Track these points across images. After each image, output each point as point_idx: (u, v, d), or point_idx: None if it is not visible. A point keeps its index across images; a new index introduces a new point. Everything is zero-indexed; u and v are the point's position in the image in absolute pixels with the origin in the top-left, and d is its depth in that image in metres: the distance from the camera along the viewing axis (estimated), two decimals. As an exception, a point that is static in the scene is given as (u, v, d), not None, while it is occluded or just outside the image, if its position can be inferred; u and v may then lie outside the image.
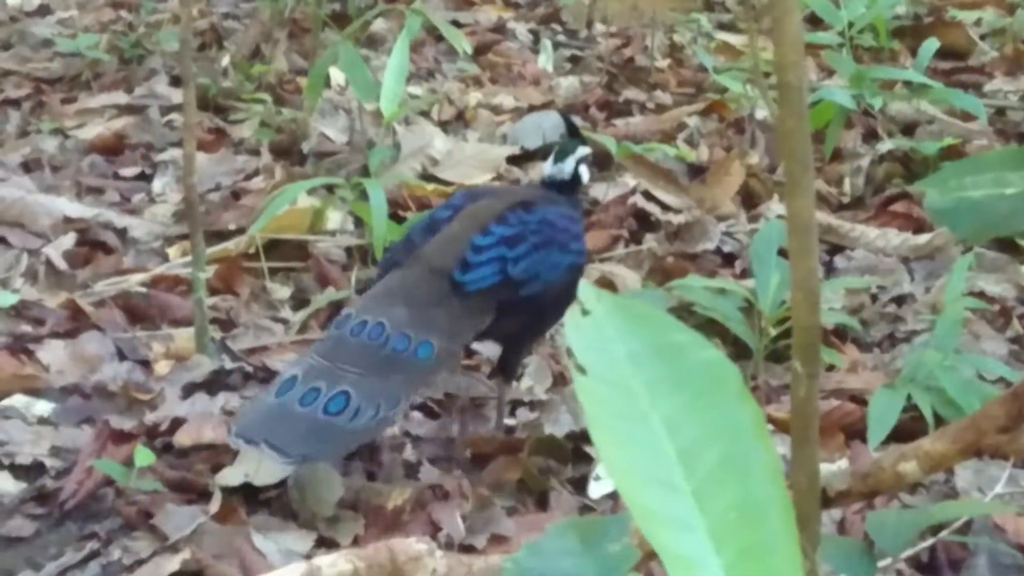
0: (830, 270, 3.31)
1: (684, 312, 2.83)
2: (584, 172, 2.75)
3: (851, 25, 4.12)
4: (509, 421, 2.73)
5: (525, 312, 2.53)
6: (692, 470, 0.94)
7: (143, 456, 2.46)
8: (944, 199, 1.55)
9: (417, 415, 2.76)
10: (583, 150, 2.76)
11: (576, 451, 2.61)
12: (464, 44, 3.48)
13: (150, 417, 2.68)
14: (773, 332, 2.69)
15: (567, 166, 2.73)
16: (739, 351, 2.79)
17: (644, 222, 3.62)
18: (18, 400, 2.77)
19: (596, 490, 2.51)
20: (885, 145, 3.89)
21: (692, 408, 0.97)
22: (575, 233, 2.62)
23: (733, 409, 0.97)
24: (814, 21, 4.31)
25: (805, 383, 1.67)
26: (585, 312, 1.01)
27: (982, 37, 4.95)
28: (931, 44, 4.03)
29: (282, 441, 2.30)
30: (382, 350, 2.40)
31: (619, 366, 0.99)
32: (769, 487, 0.94)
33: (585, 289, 1.04)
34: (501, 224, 2.53)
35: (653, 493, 0.93)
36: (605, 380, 0.98)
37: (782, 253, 2.83)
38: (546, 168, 2.76)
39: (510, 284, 2.49)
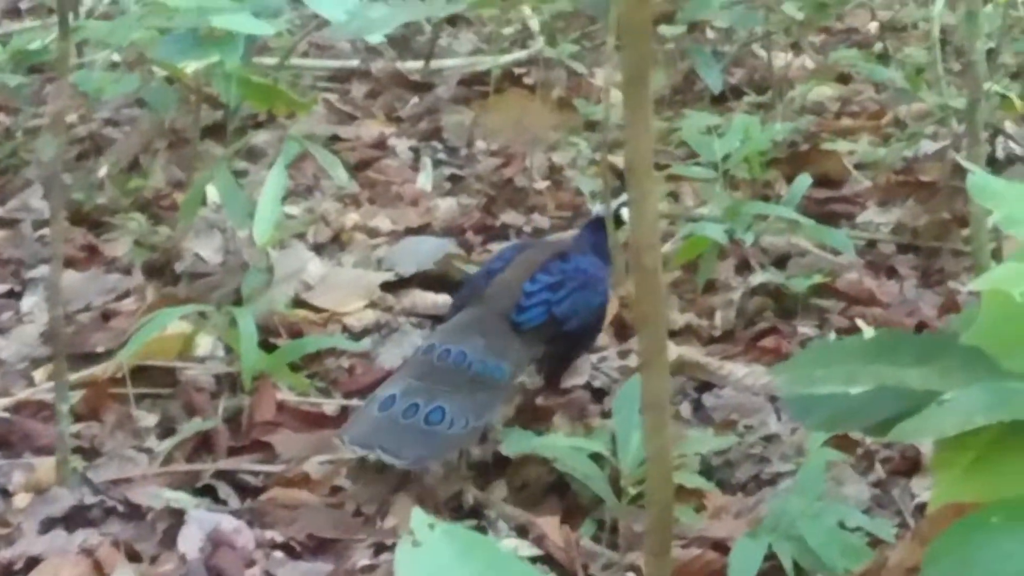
0: (698, 408, 3.33)
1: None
2: (625, 214, 3.19)
3: (726, 157, 4.16)
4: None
5: (566, 341, 3.14)
6: None
7: (-5, 598, 2.41)
8: (796, 389, 1.57)
9: (278, 554, 2.73)
10: (624, 196, 3.18)
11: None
12: (340, 172, 3.47)
13: (5, 554, 2.63)
14: (632, 492, 2.71)
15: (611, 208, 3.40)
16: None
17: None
18: None
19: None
20: (757, 278, 3.93)
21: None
22: (601, 278, 3.25)
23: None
24: (691, 152, 4.36)
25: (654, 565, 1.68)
26: (416, 543, 1.01)
27: (857, 166, 5.00)
28: (804, 180, 4.09)
29: (395, 447, 2.79)
30: (467, 372, 2.92)
31: (451, 599, 0.98)
32: None
33: (417, 517, 1.03)
34: (544, 273, 3.12)
35: None
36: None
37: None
38: (595, 209, 3.51)
39: (555, 321, 3.08)
